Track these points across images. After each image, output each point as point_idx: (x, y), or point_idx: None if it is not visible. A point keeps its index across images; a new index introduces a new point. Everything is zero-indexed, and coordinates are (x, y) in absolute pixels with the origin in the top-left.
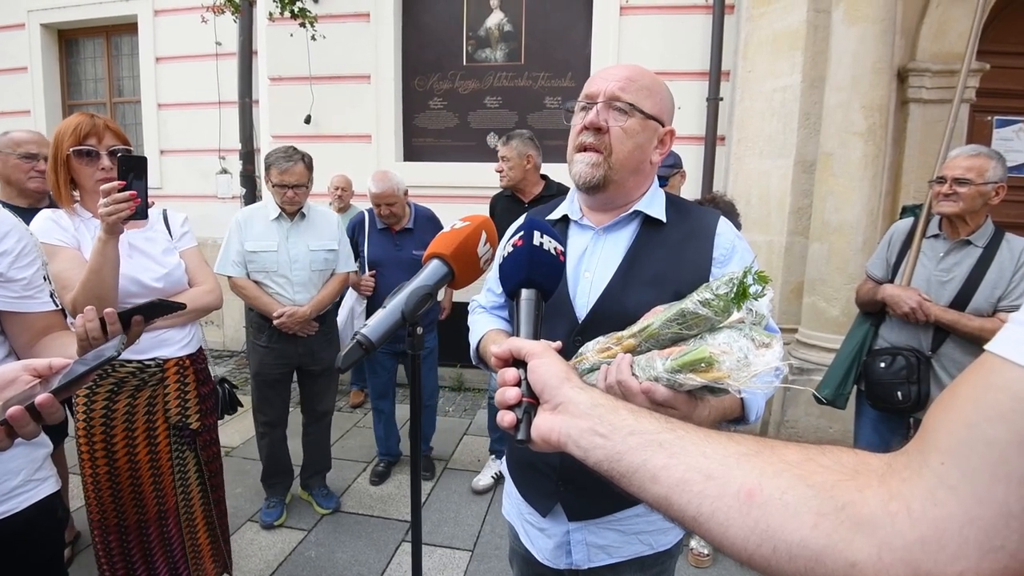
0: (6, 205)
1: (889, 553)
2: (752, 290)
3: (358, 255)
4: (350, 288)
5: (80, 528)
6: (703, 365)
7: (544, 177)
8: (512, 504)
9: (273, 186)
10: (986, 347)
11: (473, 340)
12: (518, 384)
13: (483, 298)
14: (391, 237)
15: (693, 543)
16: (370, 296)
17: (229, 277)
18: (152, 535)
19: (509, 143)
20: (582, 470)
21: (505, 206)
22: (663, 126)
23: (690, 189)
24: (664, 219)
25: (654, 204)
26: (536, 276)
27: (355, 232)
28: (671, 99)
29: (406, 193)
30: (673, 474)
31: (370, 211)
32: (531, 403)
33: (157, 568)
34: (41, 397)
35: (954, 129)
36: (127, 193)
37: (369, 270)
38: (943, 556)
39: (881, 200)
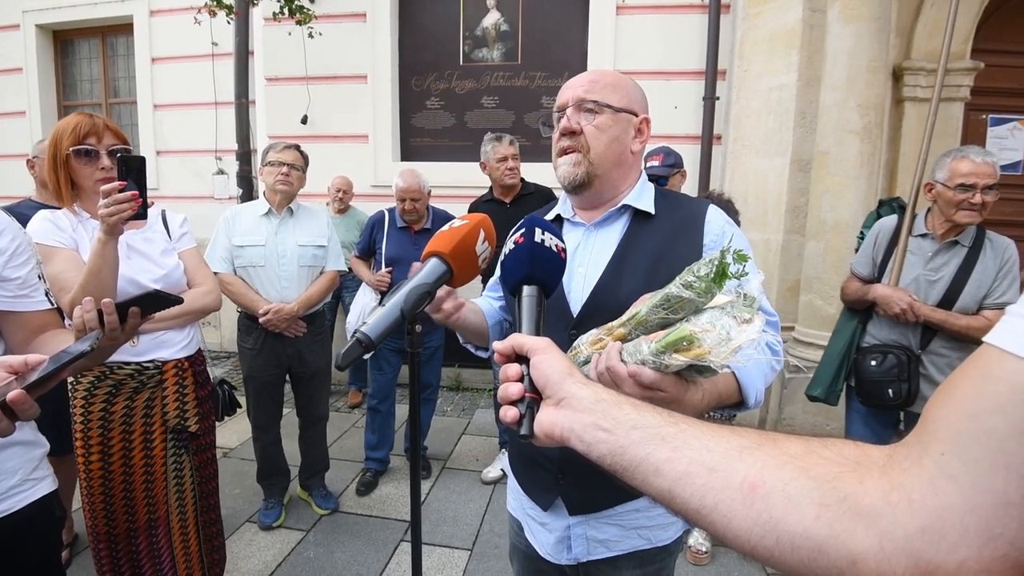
0: (44, 206)
1: (891, 543)
2: (732, 269)
3: (375, 252)
4: (364, 286)
5: (79, 531)
6: (685, 343)
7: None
8: (515, 499)
9: (268, 165)
10: (985, 339)
11: None
12: (520, 380)
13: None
14: (410, 236)
15: (691, 541)
16: (385, 292)
17: (215, 273)
18: (141, 545)
19: (515, 143)
20: (581, 463)
21: (489, 209)
22: (636, 116)
23: (688, 188)
24: (653, 211)
25: (642, 197)
26: (538, 272)
27: (374, 230)
28: (640, 91)
29: (429, 194)
30: (676, 467)
31: (391, 210)
32: (534, 398)
33: None
34: (13, 394)
35: (934, 127)
36: (128, 193)
37: (386, 267)
38: (944, 545)
39: (877, 198)
